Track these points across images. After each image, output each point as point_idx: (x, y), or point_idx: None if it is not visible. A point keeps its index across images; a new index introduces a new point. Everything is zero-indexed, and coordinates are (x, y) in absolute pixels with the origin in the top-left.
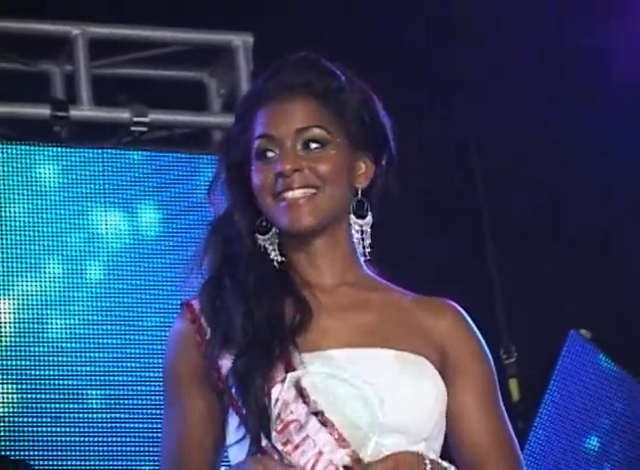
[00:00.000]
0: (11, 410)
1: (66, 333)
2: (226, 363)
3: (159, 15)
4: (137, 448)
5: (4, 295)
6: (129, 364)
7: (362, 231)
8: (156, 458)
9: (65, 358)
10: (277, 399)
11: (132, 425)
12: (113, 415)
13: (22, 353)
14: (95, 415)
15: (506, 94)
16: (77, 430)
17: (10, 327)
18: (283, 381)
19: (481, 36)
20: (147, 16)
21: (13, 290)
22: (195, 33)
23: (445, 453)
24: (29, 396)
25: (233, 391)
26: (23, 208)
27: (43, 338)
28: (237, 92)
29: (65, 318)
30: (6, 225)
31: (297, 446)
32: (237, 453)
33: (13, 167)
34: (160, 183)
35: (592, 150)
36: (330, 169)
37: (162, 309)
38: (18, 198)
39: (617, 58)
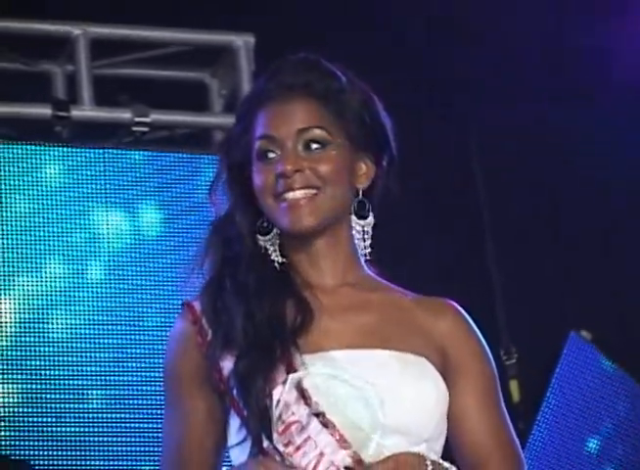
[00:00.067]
0: (13, 410)
1: (67, 333)
2: (227, 365)
3: (160, 15)
4: (140, 448)
5: (6, 295)
6: (131, 364)
7: (363, 232)
8: (158, 458)
9: (66, 358)
10: (278, 401)
11: (134, 425)
12: (115, 415)
13: (24, 353)
14: (97, 415)
15: (506, 94)
16: (80, 430)
17: (12, 327)
18: (284, 382)
19: (481, 36)
20: (148, 16)
21: (14, 290)
22: (196, 34)
23: (447, 454)
24: (31, 395)
25: (234, 392)
26: (24, 208)
27: (45, 338)
28: (238, 92)
29: (66, 318)
30: (7, 225)
31: (298, 448)
32: (238, 455)
33: (13, 168)
34: (161, 183)
35: (592, 150)
36: (331, 170)
37: (164, 309)
38: (18, 198)
39: (617, 58)
